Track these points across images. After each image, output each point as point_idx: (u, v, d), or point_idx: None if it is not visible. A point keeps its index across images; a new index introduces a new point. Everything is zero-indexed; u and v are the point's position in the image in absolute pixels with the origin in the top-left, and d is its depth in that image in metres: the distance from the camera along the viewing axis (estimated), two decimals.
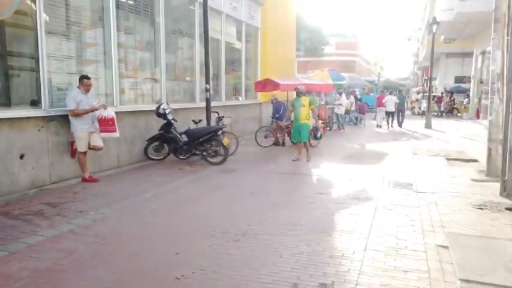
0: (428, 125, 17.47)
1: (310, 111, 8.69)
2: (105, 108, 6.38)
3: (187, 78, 10.69)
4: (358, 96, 19.89)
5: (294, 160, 8.69)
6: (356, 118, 18.71)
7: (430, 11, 28.96)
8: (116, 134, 6.56)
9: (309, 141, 10.82)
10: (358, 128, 17.58)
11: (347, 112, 17.59)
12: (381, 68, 74.46)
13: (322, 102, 16.48)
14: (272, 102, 12.25)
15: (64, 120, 6.40)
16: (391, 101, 17.56)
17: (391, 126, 17.67)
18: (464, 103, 25.87)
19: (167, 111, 8.19)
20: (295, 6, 19.93)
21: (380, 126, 17.80)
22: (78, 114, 6.25)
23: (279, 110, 11.20)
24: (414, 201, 5.58)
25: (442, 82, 32.58)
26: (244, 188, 6.33)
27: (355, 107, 18.53)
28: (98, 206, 5.21)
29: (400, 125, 18.11)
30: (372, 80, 35.49)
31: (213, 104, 11.42)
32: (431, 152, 10.32)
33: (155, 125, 8.52)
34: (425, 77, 35.08)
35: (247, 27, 13.69)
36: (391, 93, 18.56)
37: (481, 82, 22.13)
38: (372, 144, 11.94)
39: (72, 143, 6.53)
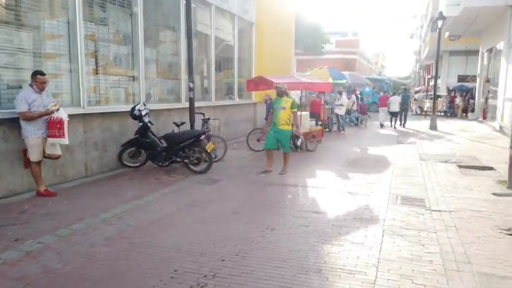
0: (433, 126, 16.51)
1: (292, 116, 7.31)
2: (58, 109, 5.39)
3: (172, 76, 9.71)
4: (359, 96, 18.89)
5: (262, 172, 7.35)
6: (357, 119, 17.75)
7: (434, 7, 27.98)
8: (65, 141, 5.55)
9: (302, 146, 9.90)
10: (360, 129, 16.61)
11: (348, 112, 16.71)
12: (382, 66, 73.45)
13: (321, 102, 15.48)
14: (266, 102, 11.31)
15: (15, 124, 5.43)
16: (395, 101, 17.10)
17: (394, 126, 17.24)
18: (457, 102, 24.77)
19: (143, 113, 7.22)
20: (294, 1, 18.93)
21: (383, 126, 17.28)
22: (30, 118, 5.28)
23: None
24: (429, 224, 4.62)
25: (445, 81, 31.60)
26: (227, 205, 5.36)
27: (357, 106, 17.59)
28: (41, 231, 4.24)
29: (402, 125, 17.62)
30: (382, 78, 34.61)
31: (201, 104, 10.50)
32: (441, 157, 9.35)
33: (132, 128, 7.56)
34: (428, 76, 34.06)
35: (240, 21, 12.69)
36: (395, 94, 18.18)
37: (488, 81, 21.16)
38: (375, 148, 10.97)
39: (25, 151, 5.56)
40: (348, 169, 7.94)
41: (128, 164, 7.54)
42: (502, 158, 9.13)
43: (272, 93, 11.00)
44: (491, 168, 8.01)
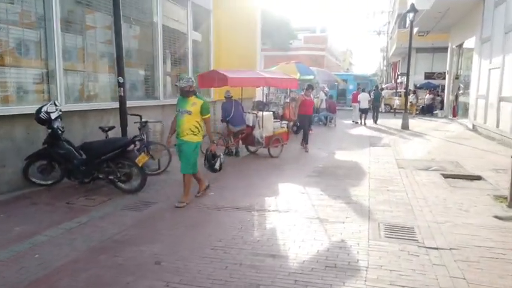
0: (405, 125, 15.60)
1: (203, 124, 5.24)
2: None
3: (105, 69, 8.00)
4: (328, 93, 17.77)
5: (177, 206, 5.13)
6: (326, 118, 16.60)
7: (402, 2, 27.42)
8: None
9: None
10: (328, 129, 15.44)
11: (316, 111, 15.52)
12: (350, 64, 73.58)
13: (287, 100, 14.19)
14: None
15: None
16: (364, 98, 16.88)
17: (364, 123, 16.94)
18: (410, 100, 24.17)
19: (53, 116, 5.54)
20: None
21: (356, 123, 17.27)
22: None
23: (229, 111, 8.74)
24: (428, 274, 3.30)
25: (412, 78, 31.23)
26: (149, 247, 3.83)
27: (325, 105, 16.47)
28: None
29: (374, 121, 17.40)
30: (367, 75, 34.30)
31: (146, 103, 8.89)
32: (420, 163, 8.21)
33: (44, 135, 5.85)
34: (398, 73, 33.75)
35: (194, 8, 11.06)
36: (363, 90, 17.89)
37: (457, 78, 20.66)
38: (346, 153, 9.72)
39: None
40: (317, 182, 6.59)
41: (38, 181, 5.86)
42: (485, 164, 8.15)
43: (230, 89, 9.53)
44: (479, 178, 6.91)
